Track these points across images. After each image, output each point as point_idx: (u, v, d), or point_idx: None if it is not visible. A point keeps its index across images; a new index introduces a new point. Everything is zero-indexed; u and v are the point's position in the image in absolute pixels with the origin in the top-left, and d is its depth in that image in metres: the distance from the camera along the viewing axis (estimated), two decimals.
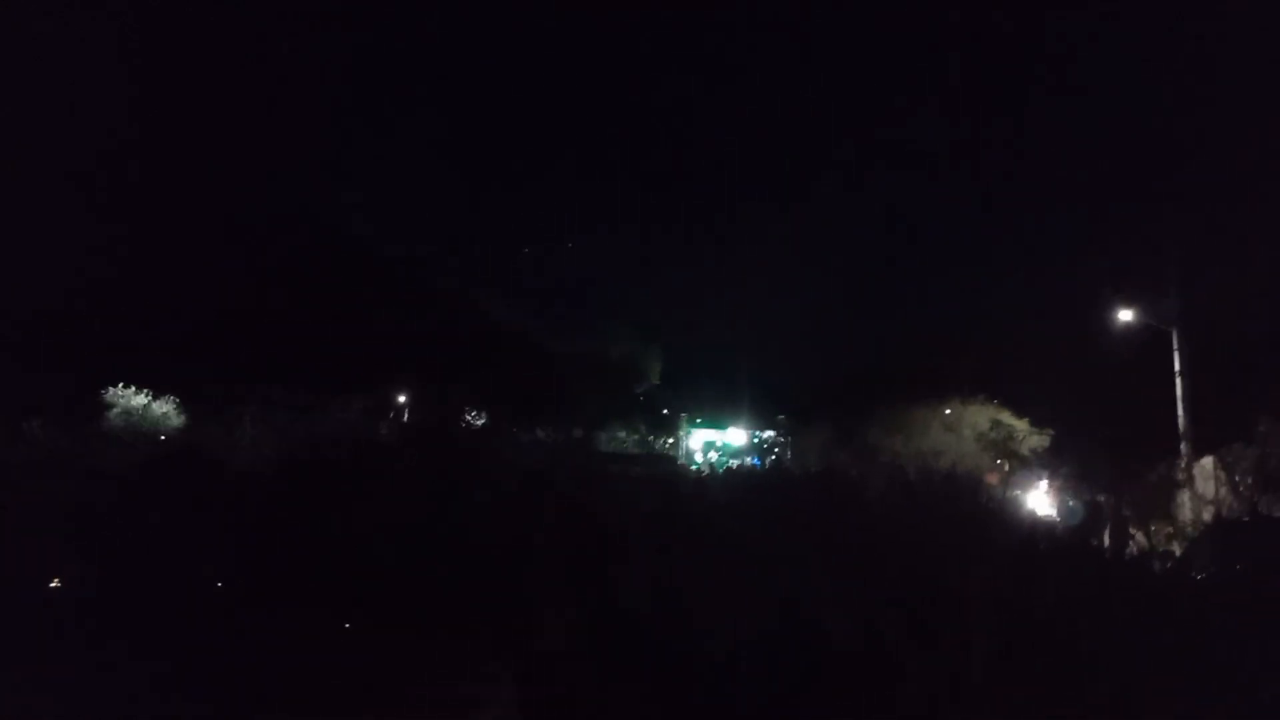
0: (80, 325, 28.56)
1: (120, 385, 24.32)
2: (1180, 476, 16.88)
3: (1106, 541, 11.15)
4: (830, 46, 60.90)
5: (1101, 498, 11.88)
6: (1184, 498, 15.63)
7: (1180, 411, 21.88)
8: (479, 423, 26.09)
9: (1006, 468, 22.14)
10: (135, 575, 8.48)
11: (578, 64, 62.55)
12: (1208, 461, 16.74)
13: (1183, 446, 21.16)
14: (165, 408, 24.61)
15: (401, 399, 37.22)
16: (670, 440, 40.73)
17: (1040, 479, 19.30)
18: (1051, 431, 23.79)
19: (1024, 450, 22.10)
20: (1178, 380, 22.27)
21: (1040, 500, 18.30)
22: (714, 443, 42.18)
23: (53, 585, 8.73)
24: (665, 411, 43.01)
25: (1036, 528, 12.05)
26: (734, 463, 34.79)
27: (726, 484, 14.87)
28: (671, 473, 22.18)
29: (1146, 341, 22.28)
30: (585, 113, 63.24)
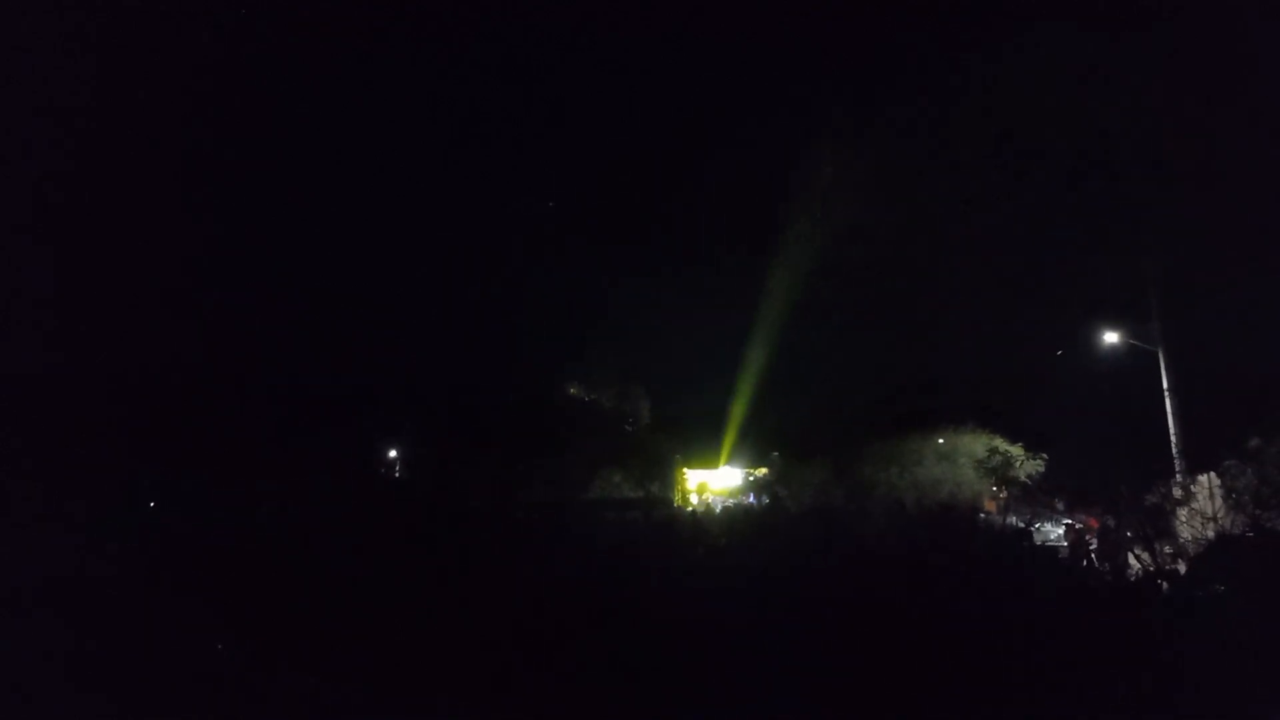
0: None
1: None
2: (1179, 494, 16.84)
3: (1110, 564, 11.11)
4: (806, 90, 62.05)
5: (1110, 521, 11.87)
6: (1183, 515, 15.58)
7: (1172, 429, 22.01)
8: (471, 475, 25.84)
9: (1003, 495, 22.09)
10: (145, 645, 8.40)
11: (557, 111, 63.39)
12: (1206, 478, 16.72)
13: (1177, 464, 21.22)
14: None
15: (392, 454, 36.85)
16: (664, 482, 40.44)
17: (1039, 505, 19.26)
18: (1045, 456, 23.79)
19: (1021, 476, 22.07)
20: (1167, 398, 22.48)
21: (1045, 526, 18.27)
22: (708, 483, 42.01)
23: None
24: (658, 454, 42.76)
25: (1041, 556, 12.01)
26: (730, 502, 34.59)
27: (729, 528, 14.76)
28: (669, 517, 22.03)
29: (1135, 363, 22.50)
30: (567, 159, 63.93)
